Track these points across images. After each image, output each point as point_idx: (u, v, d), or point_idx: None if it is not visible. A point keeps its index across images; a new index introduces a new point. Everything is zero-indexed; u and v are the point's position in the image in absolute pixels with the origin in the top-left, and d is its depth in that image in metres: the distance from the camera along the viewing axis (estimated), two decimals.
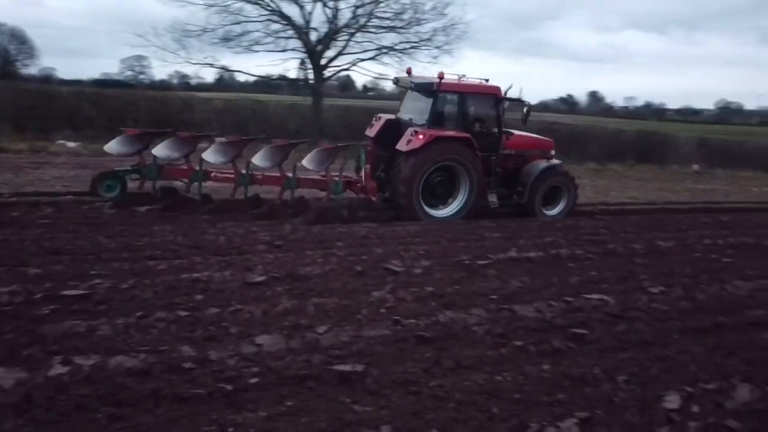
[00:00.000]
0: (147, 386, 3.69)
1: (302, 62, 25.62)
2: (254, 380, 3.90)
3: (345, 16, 23.93)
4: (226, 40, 23.31)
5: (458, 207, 10.61)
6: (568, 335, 5.07)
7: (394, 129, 10.80)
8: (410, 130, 10.21)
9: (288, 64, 25.25)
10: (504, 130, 11.20)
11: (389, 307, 5.40)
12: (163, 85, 38.91)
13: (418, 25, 23.94)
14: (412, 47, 24.23)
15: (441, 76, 10.41)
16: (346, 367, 4.15)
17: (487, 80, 11.25)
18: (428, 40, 24.06)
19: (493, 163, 11.06)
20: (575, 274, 6.96)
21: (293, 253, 7.18)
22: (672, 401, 4.02)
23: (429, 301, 5.67)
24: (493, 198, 11.20)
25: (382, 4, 23.68)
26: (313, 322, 4.93)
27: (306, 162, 9.94)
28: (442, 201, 10.68)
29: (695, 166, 26.60)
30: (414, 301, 5.63)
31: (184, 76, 43.22)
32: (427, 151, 10.02)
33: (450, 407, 3.76)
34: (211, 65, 24.09)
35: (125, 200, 9.54)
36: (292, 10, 23.61)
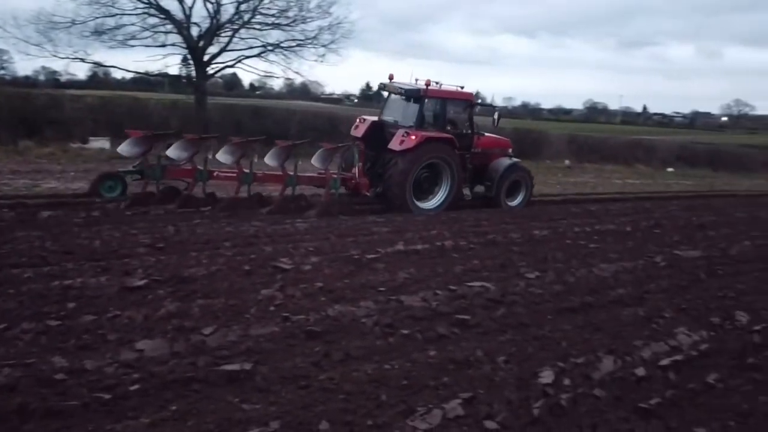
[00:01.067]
0: (12, 401, 3.41)
1: (185, 58, 24.62)
2: (135, 387, 3.72)
3: (228, 11, 23.30)
4: (98, 33, 21.82)
5: (441, 200, 11.92)
6: (453, 321, 5.29)
7: (378, 130, 12.05)
8: (401, 131, 11.32)
9: (168, 60, 24.07)
10: (476, 131, 12.70)
11: (278, 305, 5.35)
12: (27, 82, 35.86)
13: (303, 23, 23.79)
14: (298, 45, 24.05)
15: (428, 83, 11.71)
16: (234, 367, 4.07)
17: (462, 87, 12.56)
18: (314, 38, 23.98)
19: (466, 160, 12.35)
20: (459, 264, 7.27)
21: (177, 255, 6.91)
22: (546, 376, 4.31)
23: (318, 296, 5.69)
24: (467, 191, 12.69)
25: (266, 1, 23.30)
26: (199, 323, 4.78)
27: (313, 161, 10.94)
28: (427, 195, 11.92)
29: (566, 161, 28.62)
30: (303, 297, 5.62)
31: (53, 72, 40.13)
32: (419, 150, 11.22)
33: (339, 398, 3.80)
34: (83, 60, 22.45)
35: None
36: (170, 4, 22.62)
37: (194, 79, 24.22)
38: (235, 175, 10.62)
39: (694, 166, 33.14)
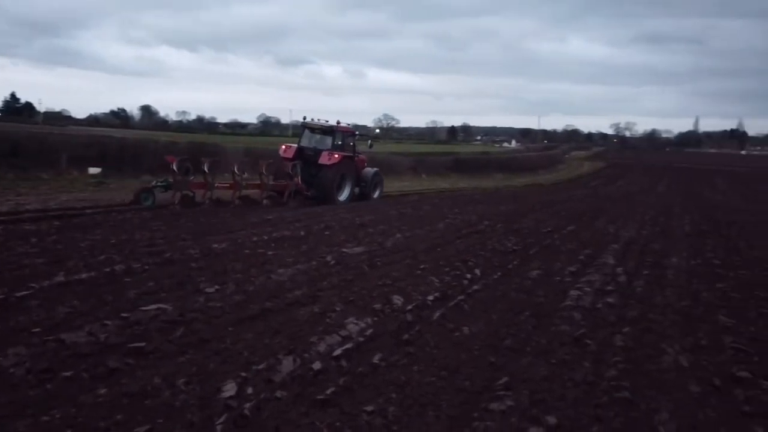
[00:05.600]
0: None
1: None
2: None
3: None
4: None
5: (348, 195, 19.07)
6: (126, 351, 4.87)
7: (300, 153, 18.72)
8: (325, 152, 18.03)
9: None
10: (357, 152, 20.09)
11: None
12: None
13: None
14: None
15: (338, 122, 19.24)
16: None
17: (349, 124, 20.59)
18: None
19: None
20: (132, 288, 6.73)
21: None
22: (229, 389, 4.27)
23: None
24: (356, 190, 19.77)
25: None
26: None
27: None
28: (339, 192, 18.68)
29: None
30: None
31: None
32: (340, 164, 18.26)
33: None
34: None
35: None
36: None
37: None
38: (229, 185, 16.21)
39: None
